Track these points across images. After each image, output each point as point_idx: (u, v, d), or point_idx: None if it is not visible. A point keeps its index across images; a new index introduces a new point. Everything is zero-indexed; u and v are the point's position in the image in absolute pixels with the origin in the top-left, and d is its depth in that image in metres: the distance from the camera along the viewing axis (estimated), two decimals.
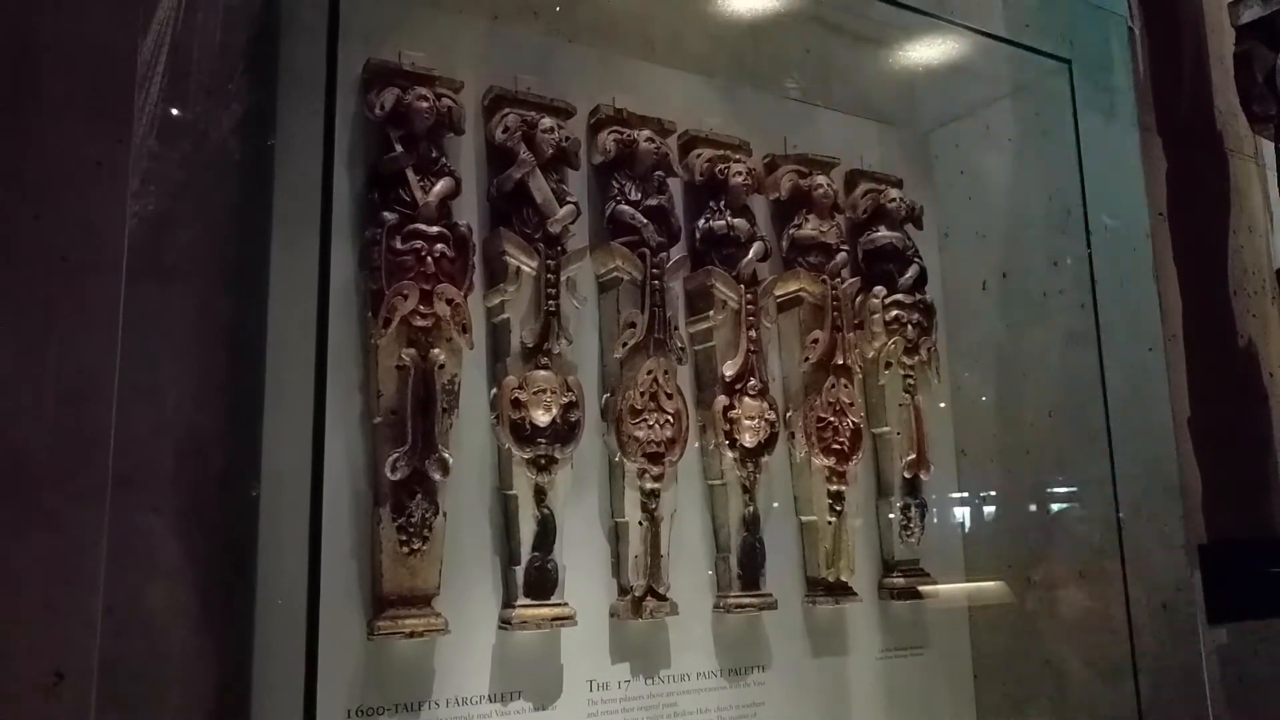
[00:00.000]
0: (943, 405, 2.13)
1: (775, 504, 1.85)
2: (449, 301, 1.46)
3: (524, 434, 1.54)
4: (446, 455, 1.45)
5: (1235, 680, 2.23)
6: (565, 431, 1.57)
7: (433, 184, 1.48)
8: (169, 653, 1.37)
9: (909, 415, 1.97)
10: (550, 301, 1.56)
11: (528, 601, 1.52)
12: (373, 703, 1.44)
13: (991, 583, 2.13)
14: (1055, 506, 2.20)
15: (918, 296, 2.00)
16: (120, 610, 1.34)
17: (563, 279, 1.58)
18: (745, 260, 1.78)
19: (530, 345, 1.55)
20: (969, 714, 2.08)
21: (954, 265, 2.23)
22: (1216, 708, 2.20)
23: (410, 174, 1.45)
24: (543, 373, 1.55)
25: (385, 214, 1.44)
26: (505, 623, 1.53)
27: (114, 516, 1.36)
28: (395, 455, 1.42)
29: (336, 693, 1.42)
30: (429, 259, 1.44)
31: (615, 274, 1.66)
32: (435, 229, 1.46)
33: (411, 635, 1.42)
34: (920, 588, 1.97)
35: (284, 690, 1.33)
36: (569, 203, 1.61)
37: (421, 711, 1.47)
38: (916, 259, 2.01)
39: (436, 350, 1.45)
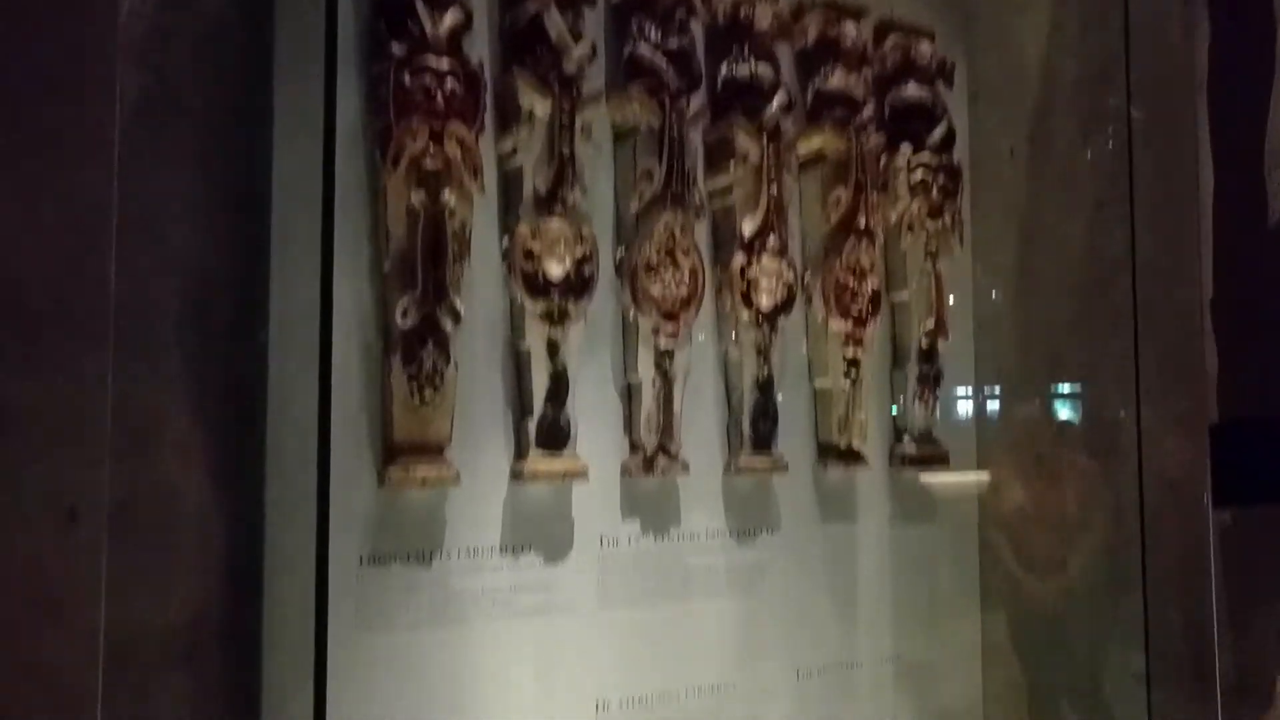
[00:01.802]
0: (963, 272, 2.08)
1: (789, 368, 1.82)
2: (460, 142, 1.39)
3: (537, 285, 1.49)
4: (458, 304, 1.41)
5: (1238, 561, 2.25)
6: (579, 285, 1.52)
7: (442, 15, 1.39)
8: (181, 496, 1.36)
9: (929, 281, 1.92)
10: (565, 147, 1.49)
11: (540, 454, 1.51)
12: (385, 550, 1.44)
13: (1002, 455, 2.12)
14: (1071, 382, 2.17)
15: (944, 158, 1.92)
16: (129, 453, 1.33)
17: (578, 124, 1.51)
18: (768, 112, 1.69)
19: (544, 193, 1.49)
20: (973, 585, 2.11)
21: (982, 129, 2.14)
22: (1219, 588, 2.24)
23: (419, 2, 1.36)
24: (556, 222, 1.49)
25: (393, 45, 1.36)
26: (517, 475, 1.52)
27: (119, 359, 1.34)
28: (405, 301, 1.38)
29: (349, 540, 1.41)
30: (439, 96, 1.37)
31: (632, 121, 1.58)
32: (445, 64, 1.38)
33: (423, 484, 1.41)
34: (931, 456, 1.96)
35: (296, 536, 1.33)
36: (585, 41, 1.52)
37: (433, 561, 1.47)
38: (945, 118, 1.92)
39: (447, 194, 1.39)
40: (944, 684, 2.02)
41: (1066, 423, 2.18)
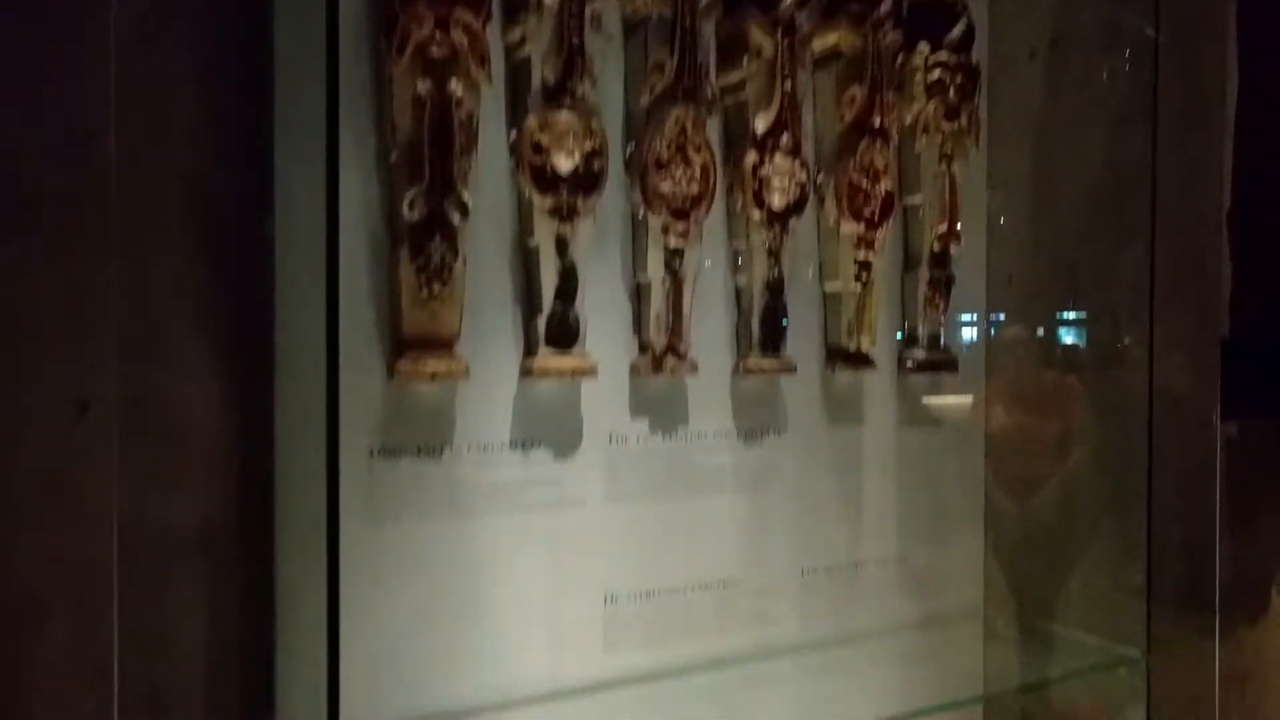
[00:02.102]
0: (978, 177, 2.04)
1: (800, 271, 1.81)
2: (466, 29, 1.35)
3: (545, 180, 1.47)
4: (465, 196, 1.39)
5: (1241, 474, 2.26)
6: (588, 180, 1.50)
7: None
8: (190, 390, 1.37)
9: (943, 184, 1.89)
10: (574, 37, 1.45)
11: (549, 351, 1.51)
12: (395, 444, 1.45)
13: (1011, 364, 2.12)
14: (1083, 292, 2.15)
15: (962, 57, 1.87)
16: (137, 347, 1.34)
17: (587, 13, 1.47)
18: (783, 5, 1.64)
19: (552, 84, 1.46)
20: (977, 492, 2.12)
21: (1002, 29, 2.08)
22: (1221, 500, 2.25)
23: None
24: (565, 114, 1.46)
25: None
26: (526, 372, 1.52)
27: (124, 254, 1.33)
28: (412, 192, 1.36)
29: (359, 433, 1.43)
30: None
31: (643, 11, 1.54)
32: None
33: (433, 378, 1.41)
34: (940, 362, 1.96)
35: (306, 429, 1.34)
36: None
37: (443, 454, 1.49)
38: (965, 15, 1.87)
39: (454, 83, 1.36)
40: (946, 587, 2.05)
41: (1076, 334, 2.17)
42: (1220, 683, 2.32)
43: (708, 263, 1.69)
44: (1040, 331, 2.16)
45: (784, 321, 1.74)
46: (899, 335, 1.97)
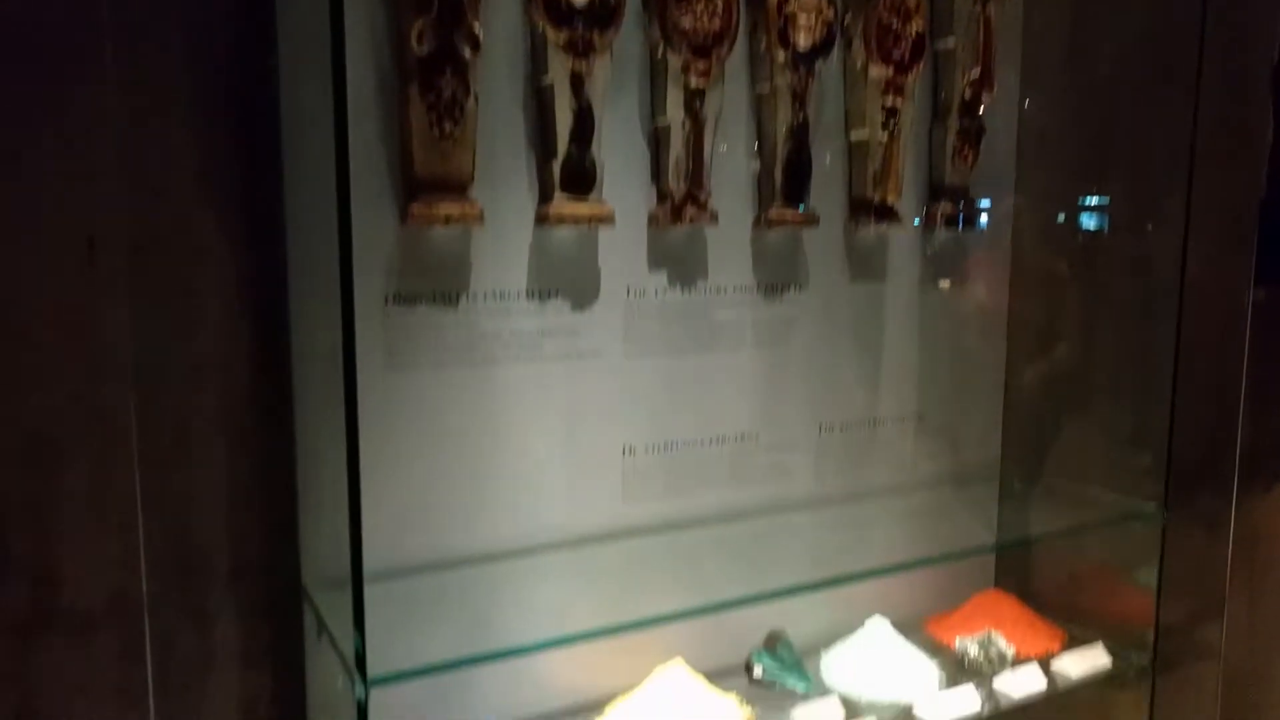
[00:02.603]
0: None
1: (825, 117, 1.74)
2: None
3: (560, 12, 1.39)
4: (476, 28, 1.32)
5: (1265, 338, 2.22)
6: (605, 13, 1.42)
7: None
8: (198, 229, 1.34)
9: (978, 27, 1.79)
10: None
11: (565, 197, 1.46)
12: (411, 291, 1.43)
13: (1040, 220, 2.05)
14: (1121, 146, 2.07)
15: None
16: (143, 185, 1.30)
17: None
18: None
19: None
20: (999, 350, 2.09)
21: None
22: (1249, 366, 2.22)
23: None
24: None
25: None
26: (541, 219, 1.48)
27: (127, 94, 1.28)
28: (420, 24, 1.29)
29: (373, 279, 1.40)
30: None
31: None
32: None
33: (446, 221, 1.37)
34: (967, 217, 1.90)
35: (319, 275, 1.31)
36: None
37: (460, 302, 1.47)
38: None
39: None
40: (963, 445, 2.05)
41: (1111, 193, 2.10)
42: (1232, 545, 2.35)
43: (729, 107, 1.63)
44: (1074, 184, 2.08)
45: (808, 172, 1.68)
46: (927, 186, 1.91)
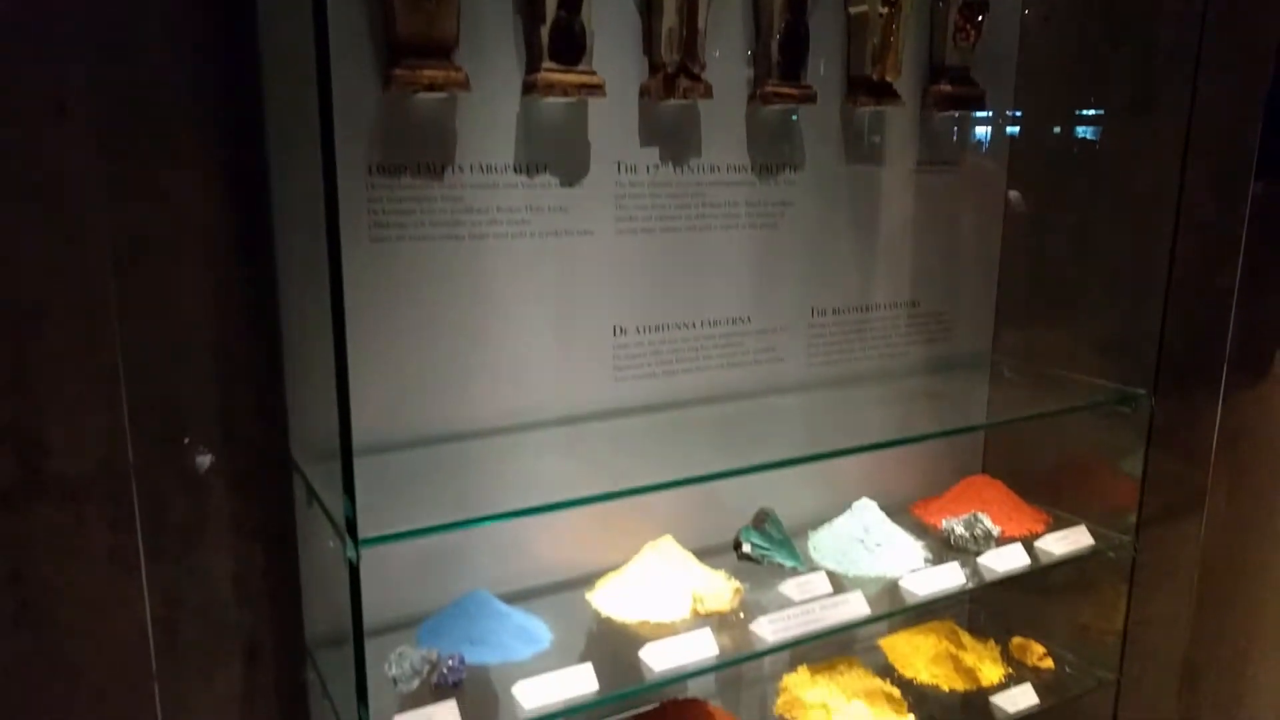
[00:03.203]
0: None
1: None
2: None
3: None
4: None
5: (1260, 233, 2.20)
6: None
7: None
8: (169, 92, 1.29)
9: None
10: None
11: (553, 65, 1.41)
12: (394, 161, 1.39)
13: (1040, 100, 2.00)
14: (1125, 32, 2.00)
15: None
16: (113, 46, 1.25)
17: None
18: None
19: None
20: (994, 238, 2.07)
21: None
22: (1244, 258, 2.21)
23: None
24: None
25: None
26: (529, 88, 1.43)
27: None
28: None
29: (356, 148, 1.36)
30: None
31: None
32: None
33: (430, 88, 1.32)
34: (967, 98, 1.85)
35: (299, 141, 1.27)
36: None
37: (445, 174, 1.43)
38: None
39: None
40: (955, 332, 2.05)
41: (1115, 78, 2.04)
42: (1216, 440, 2.37)
43: None
44: (1077, 67, 2.03)
45: (806, 46, 1.62)
46: (927, 66, 1.85)
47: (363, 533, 1.11)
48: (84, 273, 1.24)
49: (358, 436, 1.12)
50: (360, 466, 1.12)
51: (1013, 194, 2.06)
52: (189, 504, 1.36)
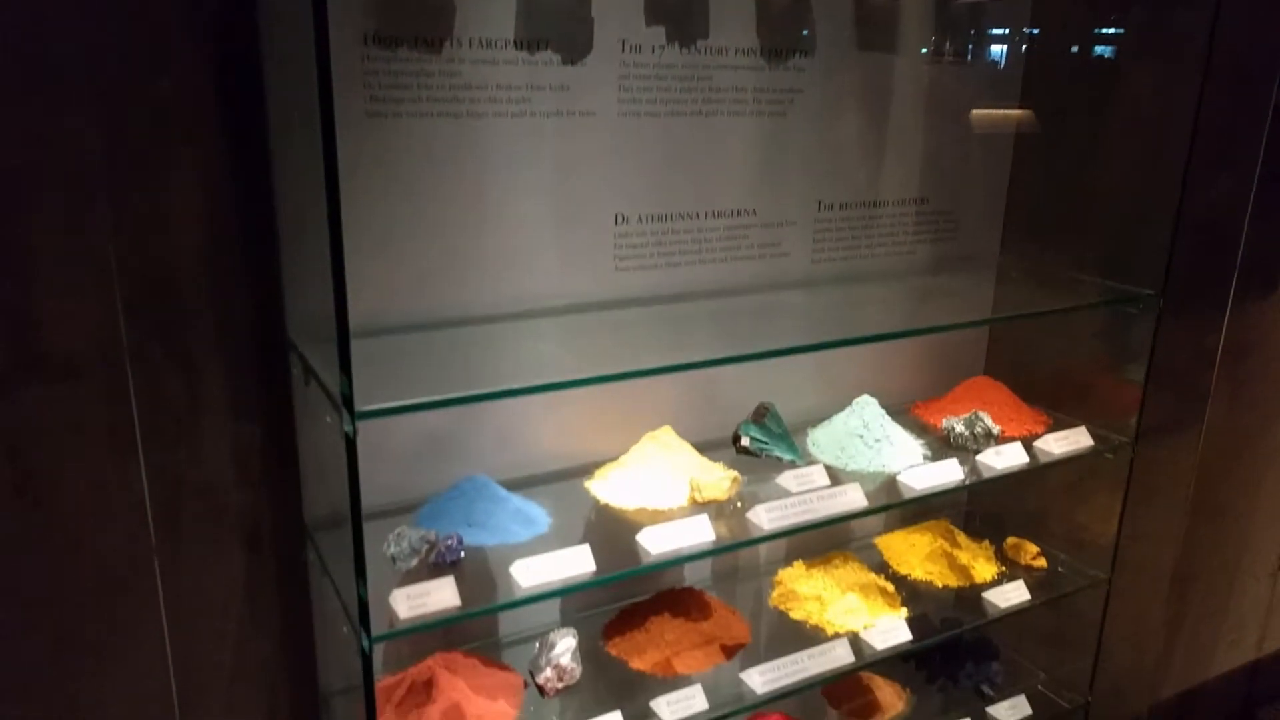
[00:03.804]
0: None
1: None
2: None
3: None
4: None
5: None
6: None
7: None
8: None
9: None
10: None
11: None
12: (391, 32, 1.33)
13: None
14: None
15: None
16: None
17: None
18: None
19: None
20: (1007, 132, 2.01)
21: None
22: (1263, 165, 2.16)
23: None
24: None
25: None
26: None
27: None
28: None
29: (351, 16, 1.31)
30: None
31: None
32: None
33: None
34: None
35: (296, 12, 1.22)
36: None
37: (444, 49, 1.38)
38: None
39: None
40: (964, 233, 2.01)
41: None
42: (1220, 350, 2.36)
43: None
44: None
45: None
46: None
47: (359, 405, 1.10)
48: (73, 150, 1.20)
49: (355, 318, 1.10)
50: (357, 348, 1.10)
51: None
52: (185, 384, 1.34)
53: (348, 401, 1.09)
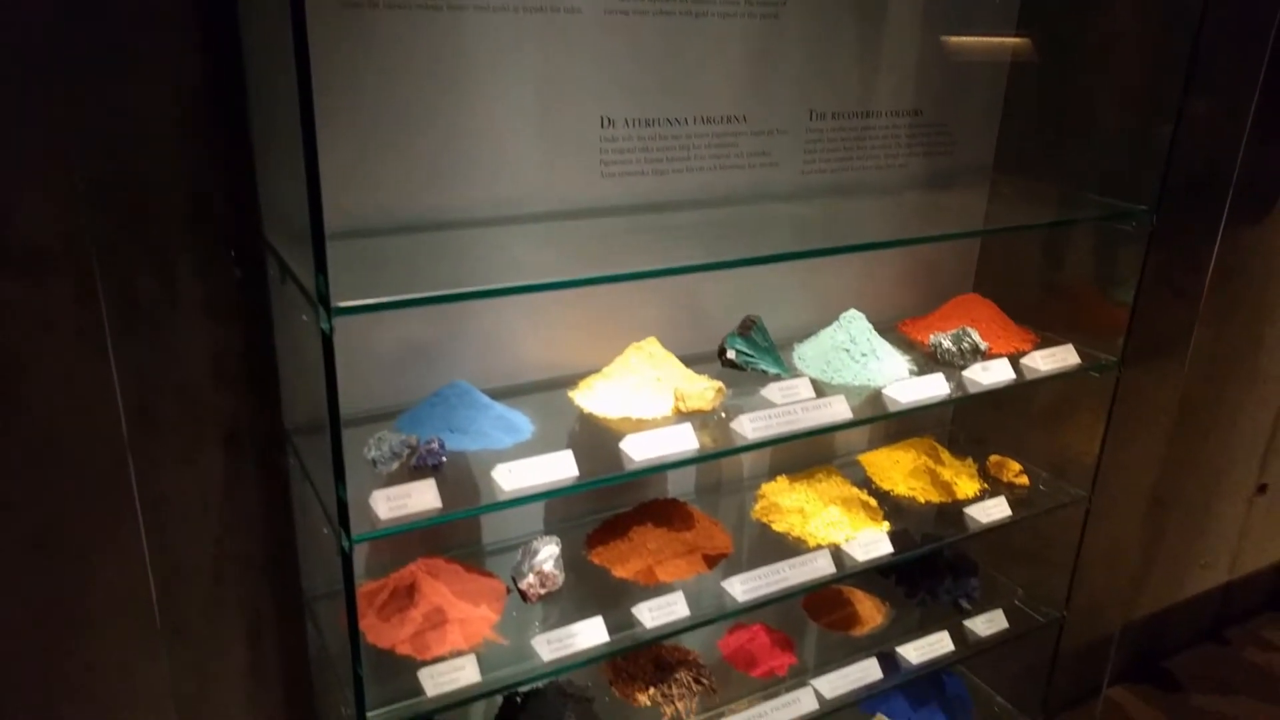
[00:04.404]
0: None
1: None
2: None
3: None
4: None
5: None
6: None
7: None
8: None
9: None
10: None
11: None
12: None
13: None
14: None
15: None
16: None
17: None
18: None
19: None
20: (1005, 45, 1.96)
21: None
22: (1261, 92, 2.11)
23: None
24: None
25: None
26: None
27: None
28: None
29: None
30: None
31: None
32: None
33: None
34: None
35: None
36: None
37: None
38: None
39: None
40: (958, 146, 1.97)
41: None
42: (1211, 272, 2.34)
43: None
44: None
45: None
46: None
47: (336, 300, 1.07)
48: (32, 37, 1.15)
49: (333, 221, 1.06)
50: (336, 250, 1.06)
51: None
52: (157, 281, 1.31)
53: (324, 298, 1.07)
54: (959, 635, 1.96)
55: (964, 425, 2.23)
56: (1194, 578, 3.32)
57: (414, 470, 1.30)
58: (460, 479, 1.31)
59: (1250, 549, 3.44)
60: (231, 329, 1.37)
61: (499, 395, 1.53)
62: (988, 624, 2.01)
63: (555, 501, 1.75)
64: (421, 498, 1.22)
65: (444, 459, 1.31)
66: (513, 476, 1.28)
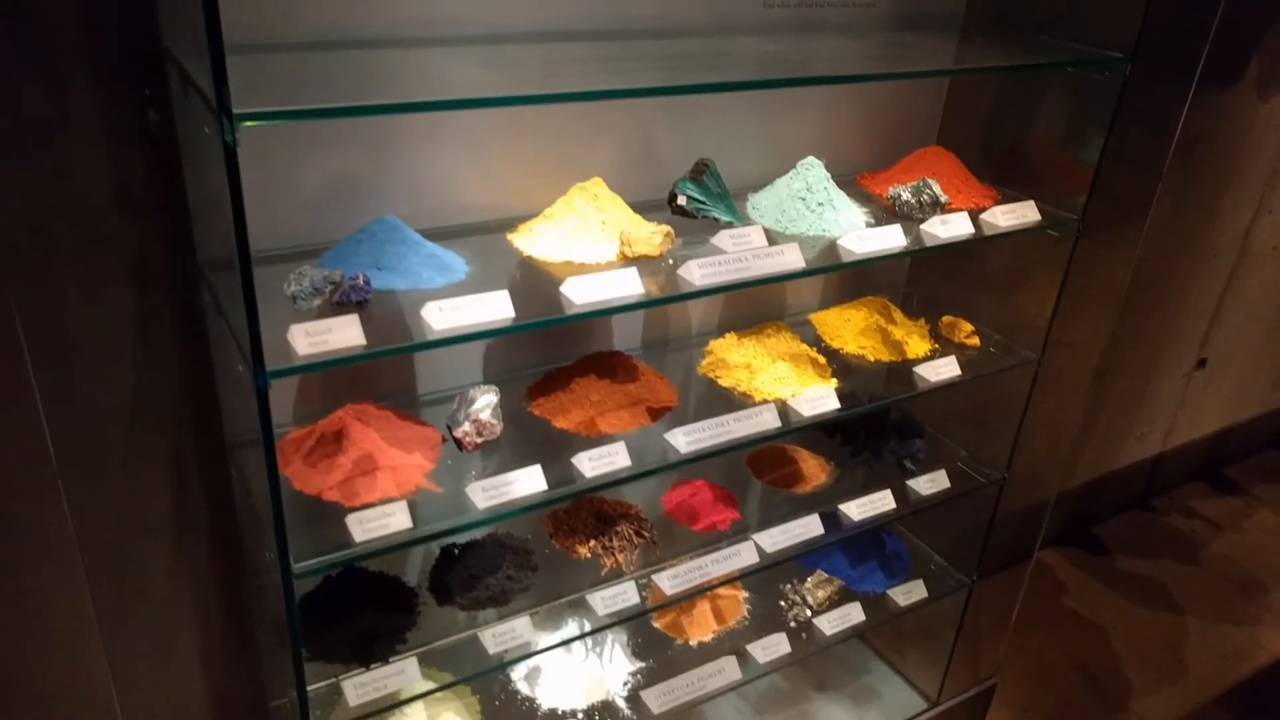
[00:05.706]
0: None
1: None
2: None
3: None
4: None
5: None
6: None
7: None
8: None
9: None
10: None
11: None
12: None
13: None
14: None
15: None
16: None
17: None
18: None
19: None
20: None
21: None
22: None
23: None
24: None
25: None
26: None
27: None
28: None
29: None
30: None
31: None
32: None
33: None
34: None
35: None
36: None
37: None
38: None
39: None
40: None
41: None
42: (1176, 139, 2.28)
43: None
44: None
45: None
46: None
47: (238, 109, 0.96)
48: None
49: (242, 28, 0.94)
50: (245, 62, 0.95)
51: None
52: (43, 95, 1.17)
53: (224, 105, 0.95)
54: (900, 494, 1.96)
55: (919, 286, 2.19)
56: (1129, 447, 3.40)
57: (337, 307, 1.21)
58: (388, 317, 1.23)
59: (1185, 422, 3.52)
60: (132, 151, 1.24)
61: (433, 237, 1.43)
62: (930, 483, 2.02)
63: (494, 352, 1.68)
64: (344, 334, 1.14)
65: (369, 296, 1.23)
66: (444, 316, 1.20)
